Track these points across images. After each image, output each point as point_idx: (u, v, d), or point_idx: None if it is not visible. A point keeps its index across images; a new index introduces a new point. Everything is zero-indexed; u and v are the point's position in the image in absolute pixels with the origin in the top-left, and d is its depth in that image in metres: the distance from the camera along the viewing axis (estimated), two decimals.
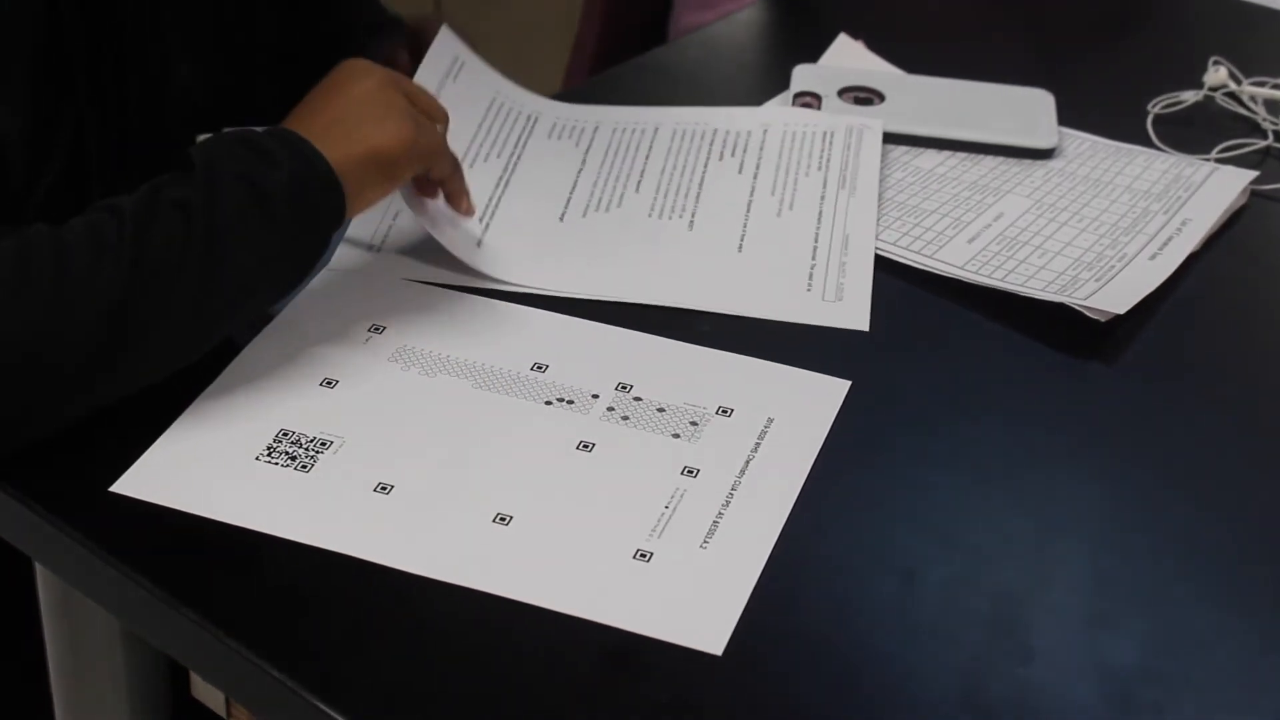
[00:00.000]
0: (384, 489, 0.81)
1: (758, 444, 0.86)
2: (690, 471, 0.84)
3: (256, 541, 0.78)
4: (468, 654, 0.73)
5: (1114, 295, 0.98)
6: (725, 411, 0.88)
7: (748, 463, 0.84)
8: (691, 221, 1.05)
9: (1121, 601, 0.78)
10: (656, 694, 0.72)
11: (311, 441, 0.84)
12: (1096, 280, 1.00)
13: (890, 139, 1.16)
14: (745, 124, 1.15)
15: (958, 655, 0.74)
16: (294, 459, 0.83)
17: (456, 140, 1.00)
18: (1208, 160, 1.17)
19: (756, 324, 0.96)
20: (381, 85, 0.92)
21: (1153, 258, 1.03)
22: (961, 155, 1.15)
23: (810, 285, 0.99)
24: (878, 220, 1.06)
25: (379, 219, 1.02)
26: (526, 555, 0.78)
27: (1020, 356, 0.96)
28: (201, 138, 0.89)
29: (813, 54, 1.27)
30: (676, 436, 0.86)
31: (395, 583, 0.76)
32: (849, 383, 0.91)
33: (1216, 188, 1.12)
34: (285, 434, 0.84)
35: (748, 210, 1.06)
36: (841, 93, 1.20)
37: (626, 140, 1.13)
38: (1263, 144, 1.19)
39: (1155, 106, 1.23)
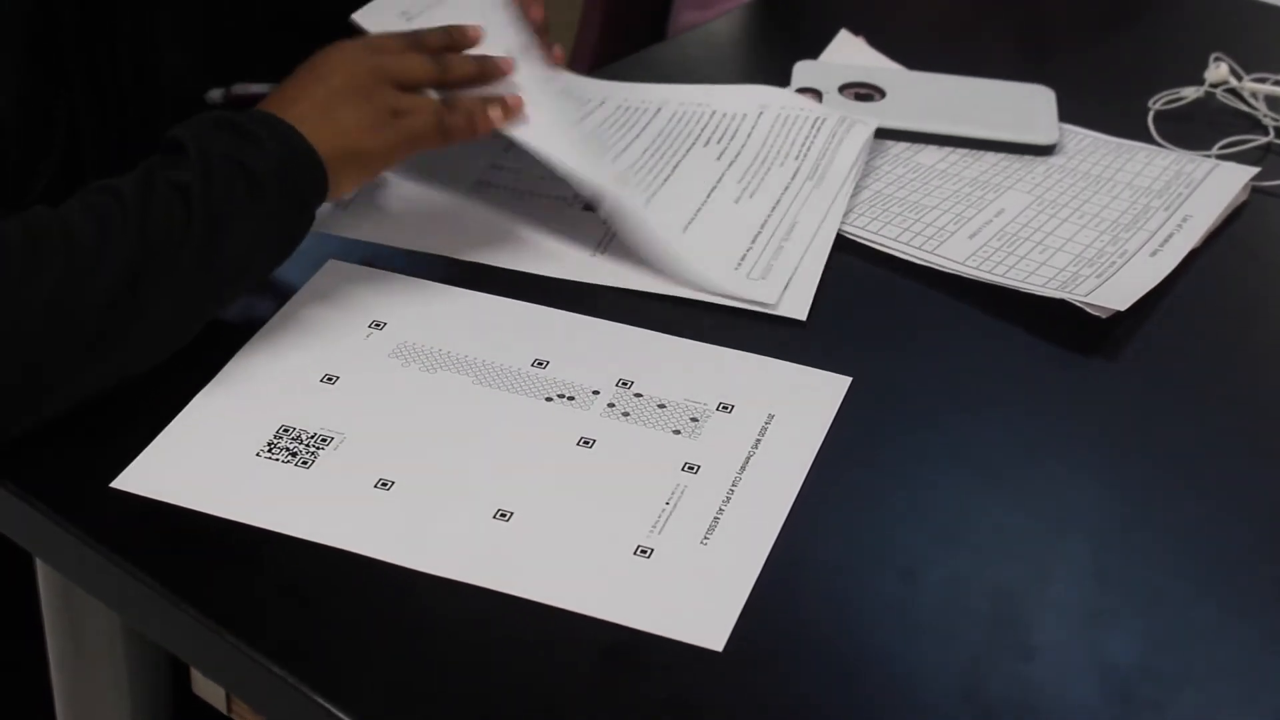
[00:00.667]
0: (384, 485, 0.81)
1: (758, 440, 0.86)
2: (691, 468, 0.84)
3: (257, 538, 0.78)
4: (468, 650, 0.73)
5: (1115, 292, 0.98)
6: (726, 408, 0.88)
7: (748, 459, 0.84)
8: (649, 199, 1.04)
9: (1122, 598, 0.78)
10: (656, 690, 0.72)
11: (312, 438, 0.84)
12: (1097, 277, 1.00)
13: (891, 135, 1.16)
14: (742, 106, 1.14)
15: (958, 652, 0.74)
16: (295, 455, 0.83)
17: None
18: (1209, 157, 1.16)
19: (757, 321, 0.96)
20: (360, 76, 0.92)
21: (1153, 254, 1.03)
22: (962, 151, 1.15)
23: (740, 264, 0.99)
24: (870, 218, 1.06)
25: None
26: (527, 551, 0.78)
27: (1021, 353, 0.96)
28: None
29: (814, 50, 1.27)
30: (677, 433, 0.86)
31: (396, 579, 0.76)
32: (849, 379, 0.91)
33: (1217, 184, 1.12)
34: (286, 430, 0.84)
35: (709, 194, 1.06)
36: (842, 89, 1.20)
37: (624, 118, 1.12)
38: (1263, 140, 1.19)
39: (1156, 103, 1.23)
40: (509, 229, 1.02)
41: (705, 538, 0.79)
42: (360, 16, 0.99)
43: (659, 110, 1.14)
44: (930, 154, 1.15)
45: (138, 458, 0.82)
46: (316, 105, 0.90)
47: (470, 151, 1.06)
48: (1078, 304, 0.97)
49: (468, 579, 0.76)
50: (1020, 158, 1.15)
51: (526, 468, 0.83)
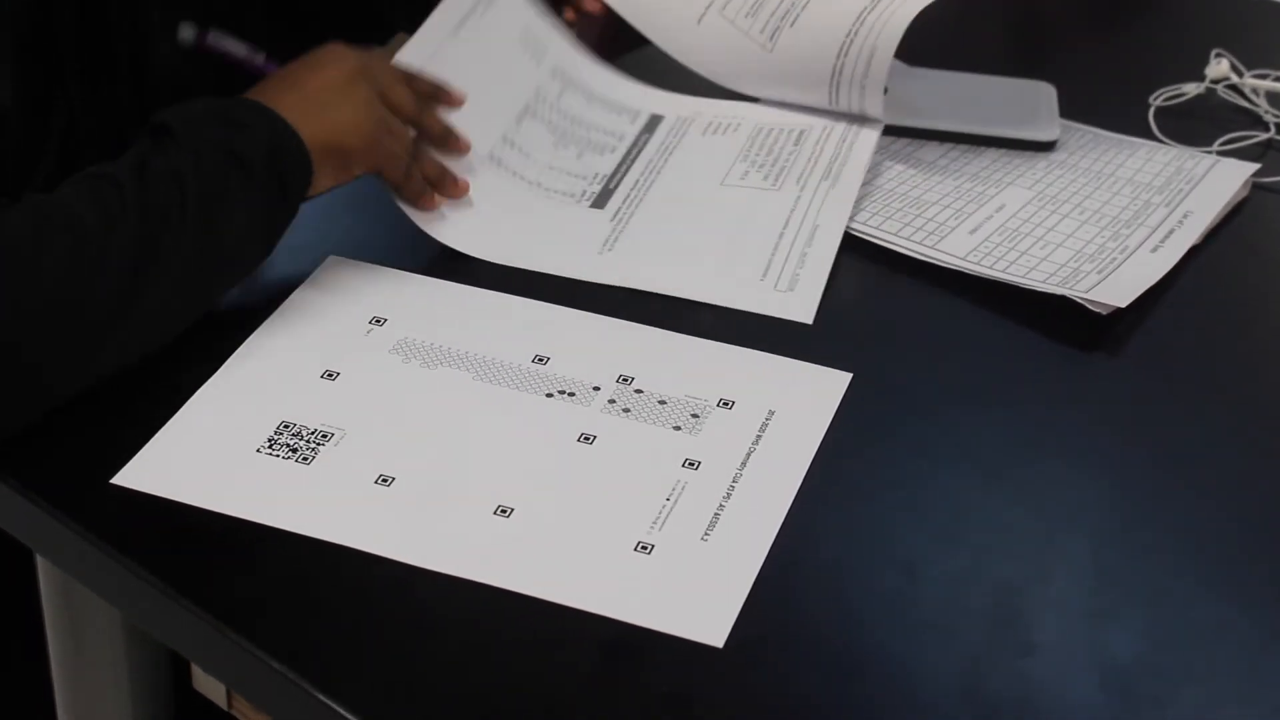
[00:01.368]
0: (385, 481, 0.81)
1: (759, 436, 0.86)
2: (691, 464, 0.84)
3: (257, 534, 0.78)
4: (468, 646, 0.73)
5: (1116, 288, 0.98)
6: (726, 404, 0.88)
7: (749, 455, 0.84)
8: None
9: (1122, 595, 0.78)
10: (657, 686, 0.72)
11: (313, 434, 0.84)
12: (1098, 273, 1.00)
13: (892, 131, 1.15)
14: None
15: (958, 648, 0.74)
16: (295, 451, 0.83)
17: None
18: (1209, 153, 1.16)
19: (757, 317, 0.96)
20: (354, 75, 0.93)
21: (1154, 250, 1.03)
22: (963, 147, 1.15)
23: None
24: (871, 213, 1.06)
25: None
26: (527, 547, 0.78)
27: (1022, 349, 0.96)
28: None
29: None
30: (678, 429, 0.86)
31: (396, 574, 0.76)
32: (850, 375, 0.91)
33: (1218, 180, 1.12)
34: (286, 426, 0.84)
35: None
36: None
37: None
38: (1264, 136, 1.19)
39: (1157, 99, 1.23)
40: (515, 222, 1.02)
41: (706, 534, 0.79)
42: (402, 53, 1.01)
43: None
44: (931, 150, 1.15)
45: (138, 454, 0.82)
46: (308, 97, 0.91)
47: (484, 118, 1.05)
48: (1079, 300, 0.97)
49: (468, 575, 0.76)
50: (1021, 154, 1.15)
51: (527, 464, 0.83)
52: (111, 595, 0.81)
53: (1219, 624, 0.77)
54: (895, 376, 0.92)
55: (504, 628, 0.74)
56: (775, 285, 0.98)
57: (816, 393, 0.89)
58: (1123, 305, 0.96)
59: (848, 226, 1.04)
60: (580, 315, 0.95)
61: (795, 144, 1.11)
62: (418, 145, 0.98)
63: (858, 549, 0.80)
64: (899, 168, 1.12)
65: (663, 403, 0.88)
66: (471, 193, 1.01)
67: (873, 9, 1.09)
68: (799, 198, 1.05)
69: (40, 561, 0.92)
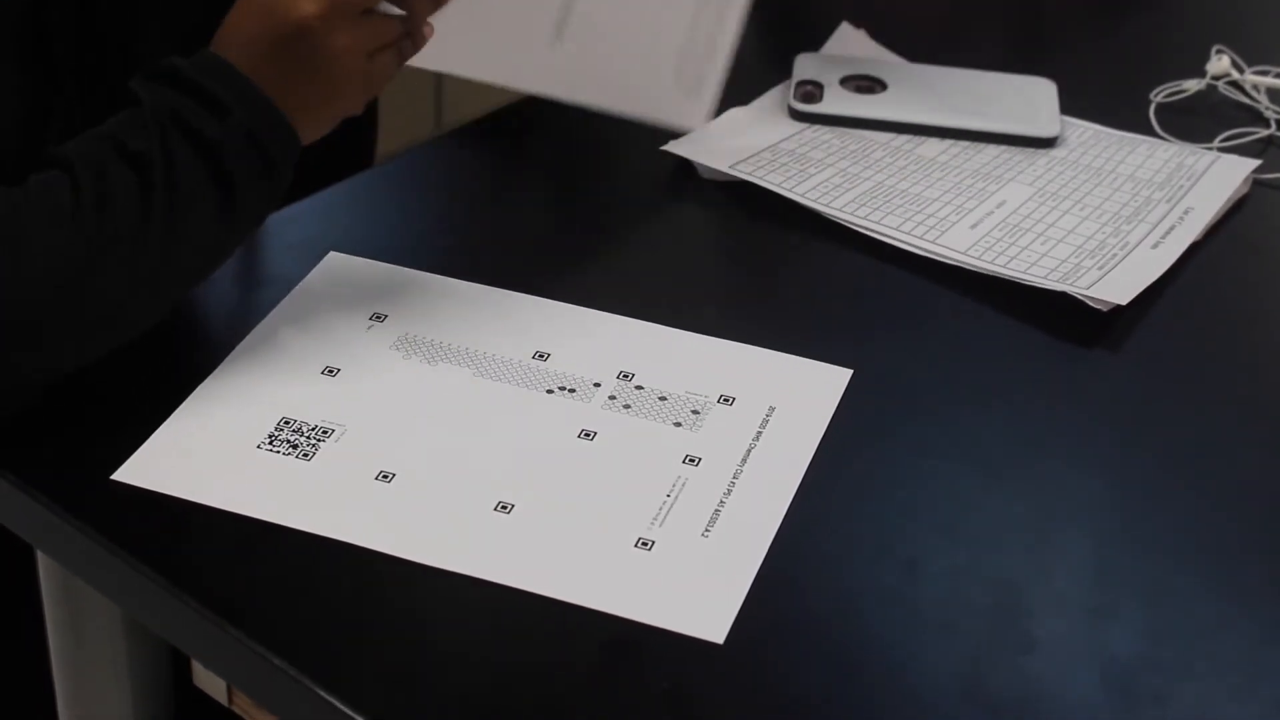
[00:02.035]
0: (385, 477, 0.81)
1: (759, 433, 0.86)
2: (692, 460, 0.83)
3: (258, 530, 0.78)
4: (468, 642, 0.73)
5: (1116, 285, 0.98)
6: (727, 400, 0.88)
7: (749, 451, 0.84)
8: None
9: (1123, 591, 0.78)
10: (657, 682, 0.72)
11: (313, 430, 0.84)
12: (1099, 268, 1.00)
13: (893, 128, 1.16)
14: None
15: (959, 644, 0.74)
16: (295, 447, 0.83)
17: None
18: (1210, 149, 1.16)
19: (757, 314, 0.96)
20: (346, 50, 0.86)
21: (1155, 246, 1.03)
22: (964, 144, 1.15)
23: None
24: (871, 208, 1.06)
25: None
26: (528, 543, 0.78)
27: (1022, 345, 0.96)
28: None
29: (815, 43, 1.27)
30: (678, 425, 0.86)
31: (396, 571, 0.76)
32: (850, 371, 0.91)
33: (1219, 177, 1.12)
34: (286, 422, 0.84)
35: None
36: (843, 81, 1.20)
37: None
38: (1265, 133, 1.19)
39: (1158, 95, 1.23)
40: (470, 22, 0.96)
41: (706, 530, 0.79)
42: None
43: None
44: (932, 146, 1.15)
45: (138, 450, 0.82)
46: (304, 81, 0.85)
47: None
48: (1079, 297, 0.97)
49: (468, 571, 0.76)
50: (1022, 150, 1.15)
51: (527, 460, 0.83)
52: (112, 591, 0.81)
53: (1219, 620, 0.77)
54: (896, 373, 0.92)
55: (504, 623, 0.74)
56: (683, 90, 0.96)
57: (817, 389, 0.89)
58: (1123, 303, 0.96)
59: (848, 221, 1.04)
60: (581, 311, 0.94)
61: None
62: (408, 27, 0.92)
63: (858, 545, 0.80)
64: (899, 164, 1.12)
65: (663, 399, 0.88)
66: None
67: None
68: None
69: (40, 558, 0.92)
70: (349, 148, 1.36)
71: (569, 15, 0.99)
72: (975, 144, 1.15)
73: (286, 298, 0.93)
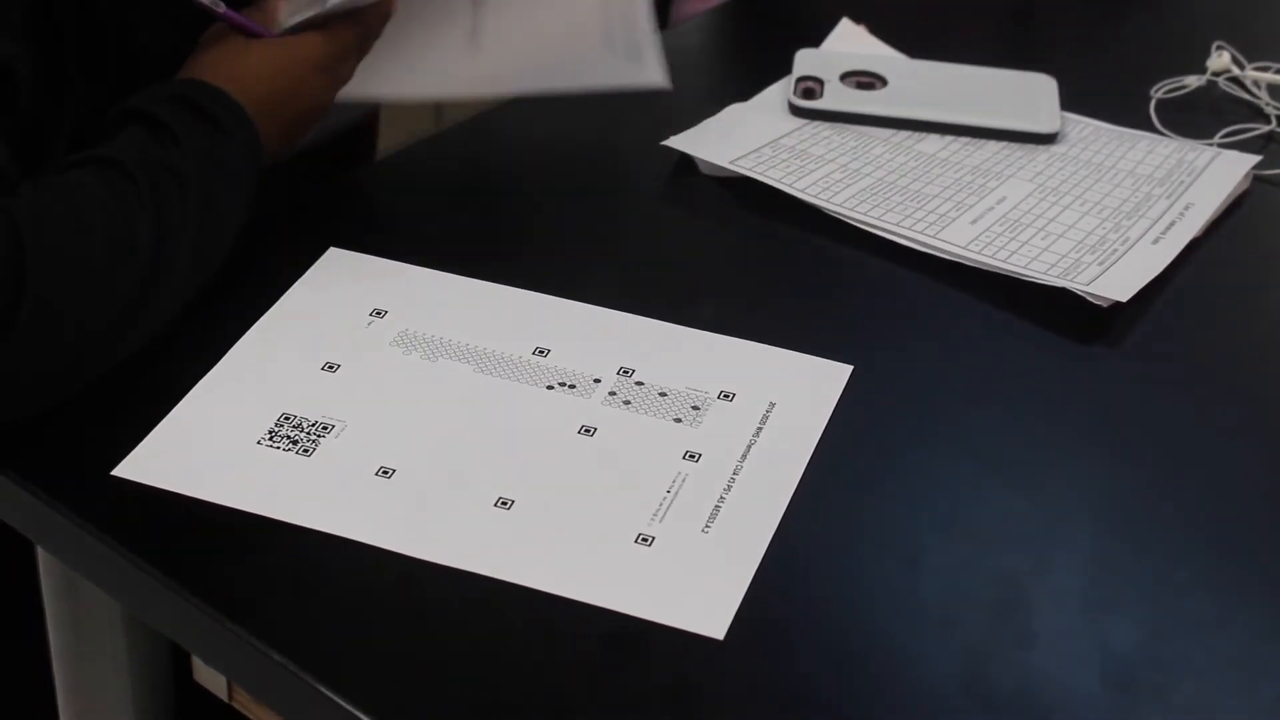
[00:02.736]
0: (385, 473, 0.81)
1: (760, 428, 0.86)
2: (692, 456, 0.84)
3: (258, 526, 0.78)
4: (469, 638, 0.73)
5: (1117, 281, 0.98)
6: (727, 396, 0.88)
7: (749, 447, 0.84)
8: None
9: (1123, 586, 0.78)
10: (657, 678, 0.72)
11: (313, 425, 0.84)
12: (1099, 264, 1.00)
13: (893, 123, 1.16)
14: None
15: (960, 639, 0.74)
16: (295, 443, 0.83)
17: None
18: (1210, 145, 1.16)
19: (758, 310, 0.96)
20: (324, 86, 0.95)
21: (1155, 242, 1.03)
22: (964, 140, 1.15)
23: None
24: (872, 205, 1.06)
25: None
26: (528, 539, 0.78)
27: (1022, 341, 0.96)
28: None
29: (815, 39, 1.27)
30: (678, 421, 0.86)
31: (397, 567, 0.76)
32: (850, 367, 0.91)
33: (1219, 173, 1.12)
34: (287, 418, 0.84)
35: None
36: (844, 77, 1.20)
37: None
38: (1265, 129, 1.19)
39: (1158, 91, 1.23)
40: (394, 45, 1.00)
41: (706, 526, 0.79)
42: None
43: None
44: (932, 142, 1.15)
45: (138, 445, 0.82)
46: (284, 125, 0.94)
47: None
48: (1080, 293, 0.97)
49: (468, 567, 0.76)
50: (1022, 146, 1.15)
51: (528, 456, 0.83)
52: (112, 587, 0.81)
53: (1220, 614, 0.77)
54: (896, 368, 0.92)
55: (504, 619, 0.74)
56: (625, 56, 0.96)
57: (817, 384, 0.89)
58: (1124, 299, 0.96)
59: (848, 217, 1.04)
60: (581, 307, 0.94)
61: None
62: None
63: (858, 541, 0.80)
64: (899, 160, 1.12)
65: (663, 395, 0.88)
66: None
67: None
68: None
69: (41, 554, 0.92)
70: (349, 143, 1.36)
71: (480, 21, 0.99)
72: (976, 140, 1.15)
73: (287, 293, 0.93)
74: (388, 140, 1.36)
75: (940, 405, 0.90)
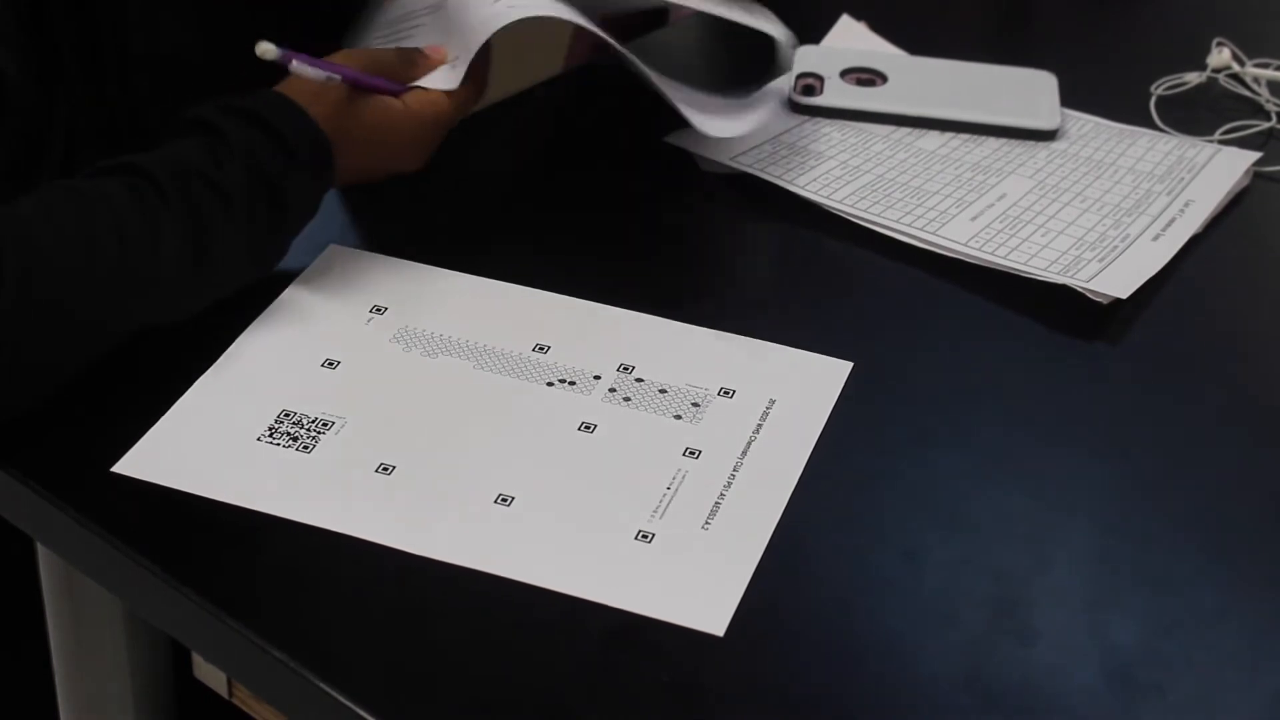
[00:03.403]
0: (386, 470, 0.81)
1: (759, 425, 0.86)
2: (692, 453, 0.84)
3: (258, 522, 0.78)
4: (469, 634, 0.73)
5: (1117, 277, 0.98)
6: (727, 393, 0.88)
7: (749, 444, 0.84)
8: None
9: (1123, 582, 0.78)
10: (657, 674, 0.72)
11: (313, 422, 0.84)
12: (1099, 260, 1.00)
13: (893, 120, 1.16)
14: None
15: (960, 636, 0.74)
16: (295, 440, 0.83)
17: None
18: (1211, 142, 1.16)
19: (758, 306, 0.96)
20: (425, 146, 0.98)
21: (1155, 239, 1.03)
22: (964, 137, 1.15)
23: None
24: (872, 201, 1.06)
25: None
26: (528, 536, 0.78)
27: (1022, 337, 0.96)
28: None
29: (815, 35, 1.27)
30: (678, 418, 0.86)
31: (397, 563, 0.76)
32: (851, 364, 0.91)
33: (1219, 169, 1.12)
34: (287, 415, 0.84)
35: None
36: (844, 74, 1.20)
37: None
38: (1266, 125, 1.19)
39: (1158, 88, 1.23)
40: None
41: (706, 523, 0.79)
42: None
43: None
44: (932, 139, 1.15)
45: (139, 442, 0.82)
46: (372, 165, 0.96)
47: None
48: (1080, 290, 0.97)
49: (469, 564, 0.76)
50: (1022, 143, 1.15)
51: (528, 453, 0.83)
52: (112, 584, 0.81)
53: (1220, 609, 0.77)
54: (896, 365, 0.92)
55: (504, 616, 0.74)
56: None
57: (817, 381, 0.89)
58: (1124, 296, 0.96)
59: (848, 214, 1.04)
60: (581, 304, 0.94)
61: None
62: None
63: (858, 537, 0.80)
64: (899, 156, 1.12)
65: (663, 391, 0.88)
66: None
67: None
68: None
69: (41, 550, 0.93)
70: None
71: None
72: (976, 137, 1.15)
73: (287, 290, 0.93)
74: None
75: (940, 402, 0.90)
